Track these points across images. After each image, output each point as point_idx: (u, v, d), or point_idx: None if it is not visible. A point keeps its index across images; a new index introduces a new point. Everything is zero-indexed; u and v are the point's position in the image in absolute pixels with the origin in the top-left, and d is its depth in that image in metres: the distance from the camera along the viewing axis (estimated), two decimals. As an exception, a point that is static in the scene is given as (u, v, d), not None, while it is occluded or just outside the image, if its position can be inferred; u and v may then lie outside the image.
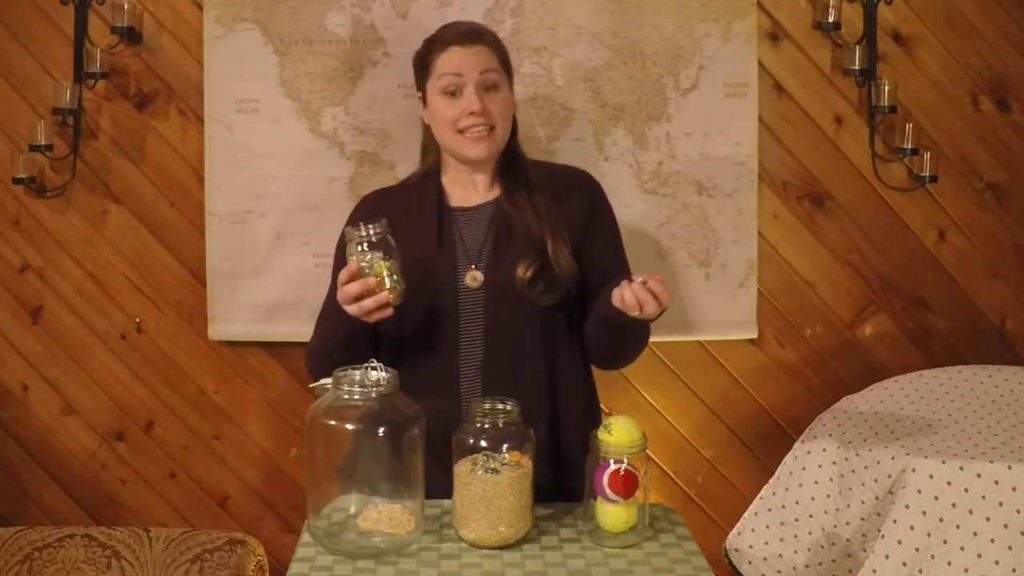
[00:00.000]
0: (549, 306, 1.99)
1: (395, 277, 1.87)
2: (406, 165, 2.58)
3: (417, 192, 2.09)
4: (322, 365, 1.91)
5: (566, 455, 1.99)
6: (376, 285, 1.84)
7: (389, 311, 1.87)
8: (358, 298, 1.85)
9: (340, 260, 2.00)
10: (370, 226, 1.86)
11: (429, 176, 2.10)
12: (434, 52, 2.01)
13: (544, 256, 1.98)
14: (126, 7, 2.56)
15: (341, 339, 1.96)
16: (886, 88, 2.59)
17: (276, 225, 2.63)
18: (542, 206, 2.02)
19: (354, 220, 2.08)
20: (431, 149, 2.13)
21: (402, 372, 1.77)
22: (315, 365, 2.03)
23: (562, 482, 1.96)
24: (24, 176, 2.60)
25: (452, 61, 1.98)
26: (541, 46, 2.58)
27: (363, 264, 1.86)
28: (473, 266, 2.00)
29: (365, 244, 1.86)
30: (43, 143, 2.58)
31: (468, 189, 2.07)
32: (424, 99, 2.06)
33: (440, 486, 1.81)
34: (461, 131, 1.99)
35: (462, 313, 1.99)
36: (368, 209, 2.08)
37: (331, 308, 2.02)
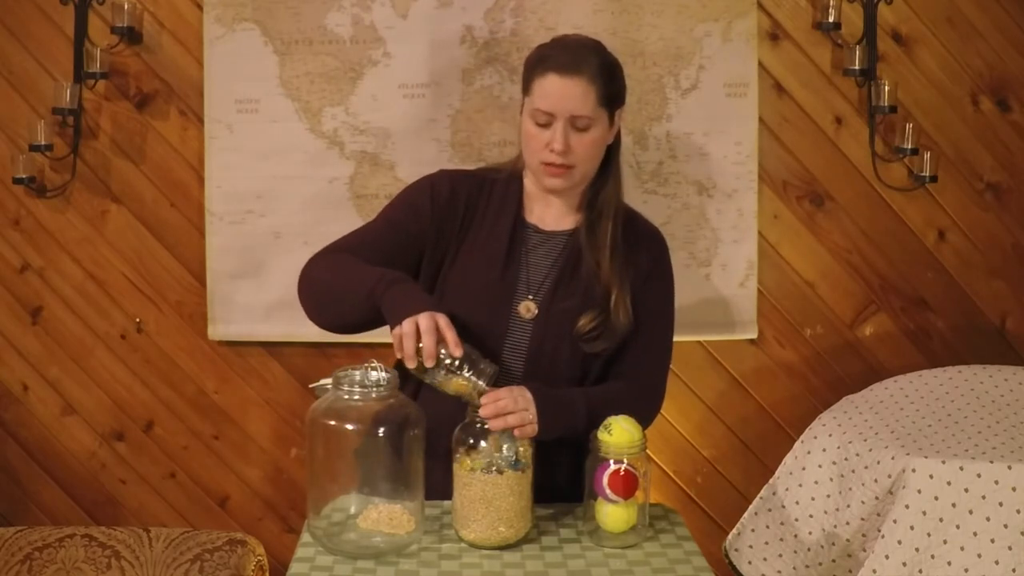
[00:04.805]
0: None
1: (430, 383, 1.78)
2: (406, 165, 2.59)
3: (499, 193, 2.02)
4: (330, 310, 1.90)
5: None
6: (415, 362, 1.74)
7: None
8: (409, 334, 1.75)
9: (401, 209, 1.98)
10: (481, 367, 1.76)
11: (514, 178, 2.04)
12: (536, 72, 1.92)
13: (606, 308, 1.94)
14: (126, 7, 2.56)
15: (365, 314, 1.86)
16: (886, 88, 2.58)
17: (276, 225, 2.63)
18: (619, 257, 1.97)
19: (436, 188, 2.00)
20: None
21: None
22: (315, 299, 1.94)
23: (583, 482, 1.95)
24: (24, 176, 2.60)
25: (547, 95, 1.89)
26: (541, 46, 2.58)
27: (439, 370, 1.75)
28: (530, 296, 1.96)
29: (455, 368, 1.75)
30: (43, 143, 2.58)
31: (544, 206, 2.02)
32: (523, 106, 1.98)
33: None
34: (542, 161, 1.93)
35: (508, 339, 1.95)
36: (450, 187, 2.01)
37: (369, 242, 1.97)
